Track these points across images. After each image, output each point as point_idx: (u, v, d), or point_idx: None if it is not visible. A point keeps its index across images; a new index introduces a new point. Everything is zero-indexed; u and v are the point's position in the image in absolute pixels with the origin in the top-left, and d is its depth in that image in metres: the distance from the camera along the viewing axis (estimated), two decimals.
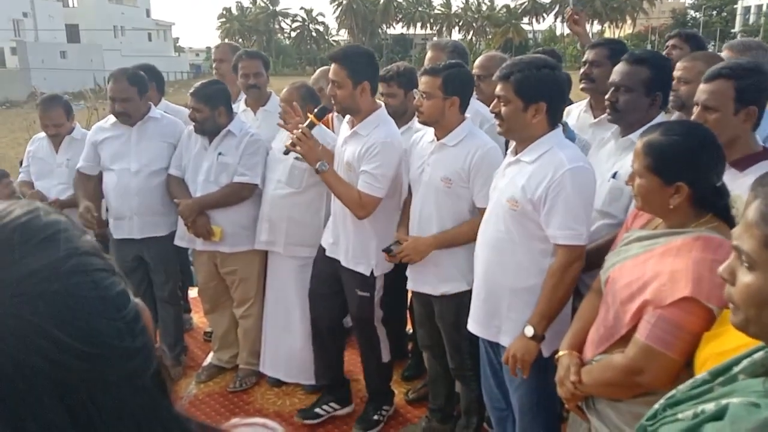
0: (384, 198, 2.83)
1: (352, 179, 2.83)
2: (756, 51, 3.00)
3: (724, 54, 3.01)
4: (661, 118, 2.34)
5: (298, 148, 2.73)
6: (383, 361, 3.15)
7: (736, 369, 0.96)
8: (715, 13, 59.63)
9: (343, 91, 2.77)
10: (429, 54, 3.49)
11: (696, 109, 2.01)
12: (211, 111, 3.28)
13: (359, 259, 2.94)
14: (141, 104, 3.45)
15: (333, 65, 2.79)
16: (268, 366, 3.59)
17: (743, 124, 1.97)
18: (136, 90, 3.40)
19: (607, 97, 2.35)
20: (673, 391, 1.01)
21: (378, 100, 3.00)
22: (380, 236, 2.91)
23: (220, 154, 3.34)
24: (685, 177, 1.65)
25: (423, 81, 2.61)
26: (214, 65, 4.31)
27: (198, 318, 4.58)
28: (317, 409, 3.28)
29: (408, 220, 2.80)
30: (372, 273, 2.94)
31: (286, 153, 2.79)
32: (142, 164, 3.45)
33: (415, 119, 2.92)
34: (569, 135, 2.72)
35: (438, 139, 2.64)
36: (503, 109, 2.17)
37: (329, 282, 3.12)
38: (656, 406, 1.04)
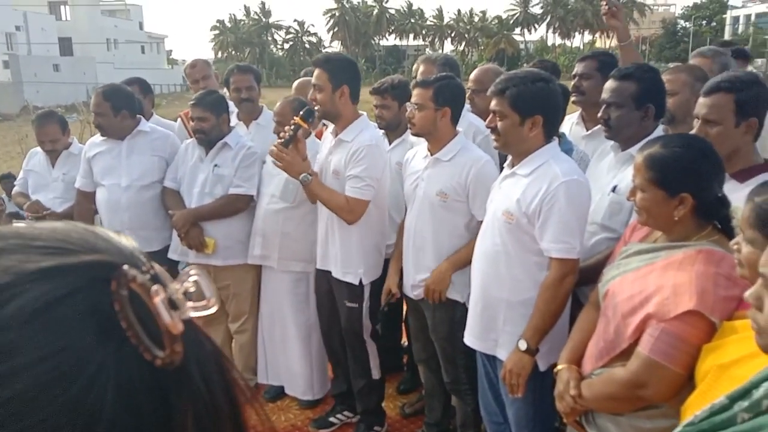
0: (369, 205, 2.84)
1: (340, 186, 2.84)
2: (723, 55, 3.04)
3: (695, 61, 3.02)
4: (661, 131, 2.33)
5: (280, 163, 2.76)
6: (374, 378, 3.12)
7: (756, 394, 0.93)
8: (704, 23, 60.23)
9: (323, 94, 2.81)
10: (420, 68, 3.49)
11: (696, 123, 2.01)
12: (217, 119, 3.29)
13: (347, 268, 2.95)
14: (115, 120, 3.39)
15: (316, 70, 2.84)
16: (270, 376, 3.55)
17: (744, 136, 1.97)
18: (109, 105, 3.36)
19: (599, 115, 2.34)
20: (691, 417, 0.98)
21: (361, 111, 3.00)
22: (366, 244, 2.93)
23: (216, 166, 3.32)
24: (689, 187, 1.65)
25: (415, 93, 2.63)
26: (200, 84, 3.95)
27: None
28: (331, 418, 3.31)
29: (402, 245, 2.79)
30: (360, 282, 2.94)
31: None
32: (133, 179, 3.42)
33: (409, 132, 2.92)
34: (566, 147, 2.72)
35: (432, 154, 2.64)
36: (499, 124, 2.16)
37: (328, 295, 3.11)
38: None
